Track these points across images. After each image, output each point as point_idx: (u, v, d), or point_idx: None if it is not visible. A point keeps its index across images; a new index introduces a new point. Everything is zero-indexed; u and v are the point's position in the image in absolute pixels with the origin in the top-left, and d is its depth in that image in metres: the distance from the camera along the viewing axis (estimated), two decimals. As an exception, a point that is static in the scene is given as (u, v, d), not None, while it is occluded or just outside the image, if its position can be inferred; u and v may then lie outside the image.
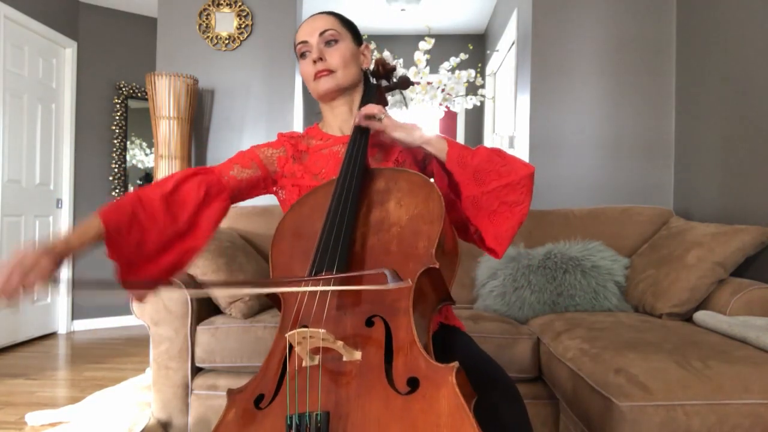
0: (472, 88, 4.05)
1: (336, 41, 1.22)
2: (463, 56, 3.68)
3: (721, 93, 2.50)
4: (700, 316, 1.85)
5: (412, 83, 1.36)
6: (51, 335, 4.13)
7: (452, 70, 3.59)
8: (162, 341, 1.93)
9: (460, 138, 5.52)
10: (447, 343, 1.13)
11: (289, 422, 0.77)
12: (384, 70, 1.34)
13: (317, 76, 1.22)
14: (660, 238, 2.36)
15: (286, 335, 0.80)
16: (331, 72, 1.21)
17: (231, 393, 0.88)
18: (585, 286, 2.19)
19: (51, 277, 0.89)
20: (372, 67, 1.34)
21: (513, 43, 3.70)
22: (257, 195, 1.27)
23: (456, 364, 0.77)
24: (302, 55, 1.24)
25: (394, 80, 1.39)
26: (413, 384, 0.77)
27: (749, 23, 2.30)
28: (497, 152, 1.10)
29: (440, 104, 3.63)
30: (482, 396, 0.81)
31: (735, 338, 1.62)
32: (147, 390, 2.38)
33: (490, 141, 4.86)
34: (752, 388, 1.29)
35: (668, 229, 2.39)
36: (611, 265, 2.27)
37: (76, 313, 4.34)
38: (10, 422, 2.32)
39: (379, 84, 1.34)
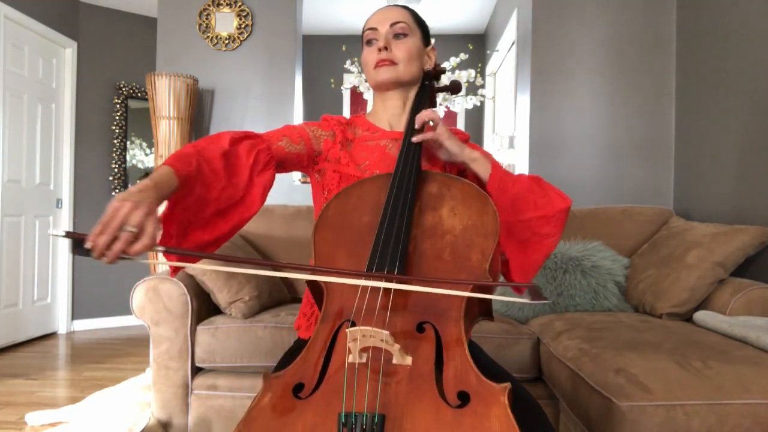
0: (472, 88, 4.06)
1: (405, 35, 1.21)
2: (463, 56, 3.68)
3: (721, 93, 2.50)
4: (700, 316, 1.85)
5: (461, 88, 1.36)
6: (51, 335, 4.13)
7: (452, 70, 3.59)
8: (162, 341, 1.93)
9: (460, 138, 5.52)
10: None
11: (344, 420, 0.75)
12: (435, 72, 1.32)
13: (379, 64, 1.20)
14: (660, 238, 2.36)
15: (347, 330, 0.78)
16: (393, 63, 1.20)
17: (268, 377, 0.85)
18: (585, 286, 2.19)
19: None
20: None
21: (513, 43, 3.71)
22: (295, 170, 1.24)
23: (509, 385, 0.76)
24: (368, 42, 1.23)
25: (445, 83, 1.38)
26: (463, 398, 0.76)
27: (749, 23, 2.30)
28: (537, 181, 1.09)
29: (440, 104, 3.63)
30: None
31: (735, 338, 1.62)
32: (147, 390, 2.38)
33: (490, 141, 4.86)
34: (752, 388, 1.29)
35: (668, 229, 2.39)
36: (611, 265, 2.27)
37: (76, 313, 4.34)
38: (10, 422, 2.32)
39: (432, 84, 1.32)
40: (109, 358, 3.45)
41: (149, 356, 2.08)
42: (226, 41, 3.32)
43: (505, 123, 4.32)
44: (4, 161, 3.62)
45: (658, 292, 2.07)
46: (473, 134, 5.46)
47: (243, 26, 3.32)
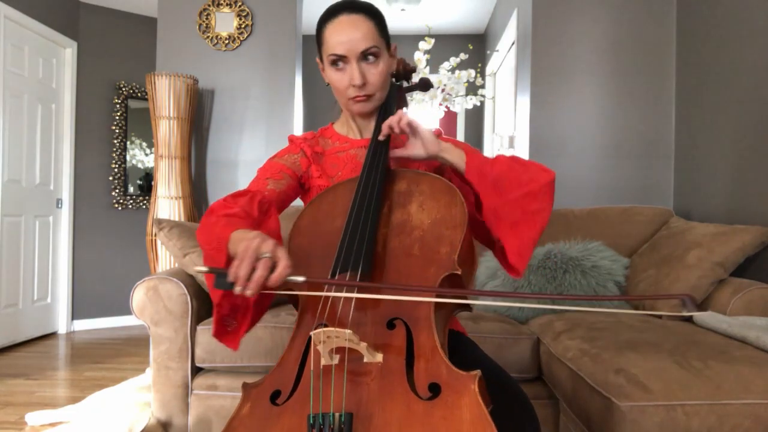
0: (472, 88, 4.06)
1: (376, 57, 1.13)
2: (463, 56, 3.68)
3: (721, 93, 2.50)
4: (700, 316, 1.85)
5: (432, 85, 1.34)
6: (51, 335, 4.13)
7: (452, 70, 3.59)
8: (162, 341, 1.93)
9: (460, 138, 5.52)
10: (451, 348, 1.12)
11: (311, 421, 0.76)
12: (404, 71, 1.30)
13: (355, 99, 1.15)
14: (660, 238, 2.36)
15: (311, 333, 0.79)
16: (368, 98, 1.15)
17: (246, 387, 0.87)
18: (585, 286, 2.19)
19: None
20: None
21: (513, 44, 3.70)
22: (295, 200, 1.24)
23: (478, 372, 0.77)
24: (334, 64, 1.14)
25: (414, 81, 1.36)
26: (434, 390, 0.77)
27: (749, 23, 2.30)
28: (516, 159, 1.07)
29: (440, 104, 3.63)
30: (498, 407, 0.80)
31: (735, 338, 1.62)
32: (147, 390, 2.38)
33: (490, 141, 4.86)
34: (752, 388, 1.29)
35: (668, 229, 2.39)
36: (611, 265, 2.27)
37: (76, 313, 4.34)
38: (10, 422, 2.32)
39: (400, 84, 1.31)
40: (109, 358, 3.45)
41: (149, 356, 2.08)
42: (226, 41, 3.32)
43: (505, 123, 4.32)
44: (4, 161, 3.62)
45: (658, 292, 2.07)
46: (473, 134, 5.46)
47: (243, 26, 3.32)
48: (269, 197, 1.12)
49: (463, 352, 1.13)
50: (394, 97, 1.25)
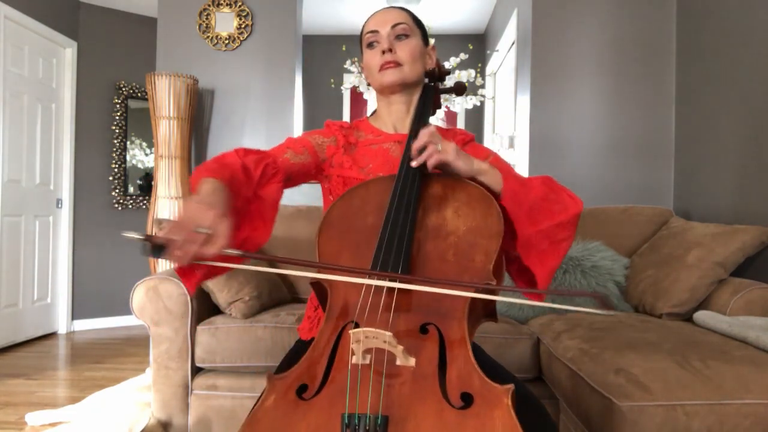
0: (472, 88, 4.06)
1: (407, 36, 1.21)
2: (463, 56, 3.68)
3: (721, 93, 2.50)
4: (700, 316, 1.85)
5: (466, 89, 1.34)
6: (51, 335, 4.13)
7: (452, 70, 3.59)
8: (162, 341, 1.93)
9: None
10: None
11: (347, 421, 0.75)
12: (440, 73, 1.32)
13: (384, 66, 1.19)
14: (660, 238, 2.36)
15: (350, 332, 0.78)
16: (398, 65, 1.19)
17: (271, 378, 0.85)
18: (585, 286, 2.19)
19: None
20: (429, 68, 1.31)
21: (513, 43, 3.71)
22: (306, 182, 1.24)
23: (512, 386, 0.76)
24: (369, 45, 1.22)
25: (448, 84, 1.37)
26: (467, 399, 0.76)
27: (749, 23, 2.30)
28: (550, 185, 1.07)
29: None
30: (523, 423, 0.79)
31: (735, 338, 1.62)
32: (147, 390, 2.38)
33: (490, 141, 4.86)
34: (752, 388, 1.29)
35: (668, 229, 2.39)
36: (611, 265, 2.27)
37: (76, 313, 4.34)
38: (10, 422, 2.32)
39: (436, 86, 1.32)
40: (109, 358, 3.45)
41: (149, 356, 2.08)
42: (226, 41, 3.32)
43: (505, 123, 4.32)
44: (4, 161, 3.62)
45: (658, 292, 2.07)
46: (473, 134, 5.46)
47: (243, 26, 3.32)
48: (281, 165, 1.13)
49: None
50: (430, 97, 1.26)
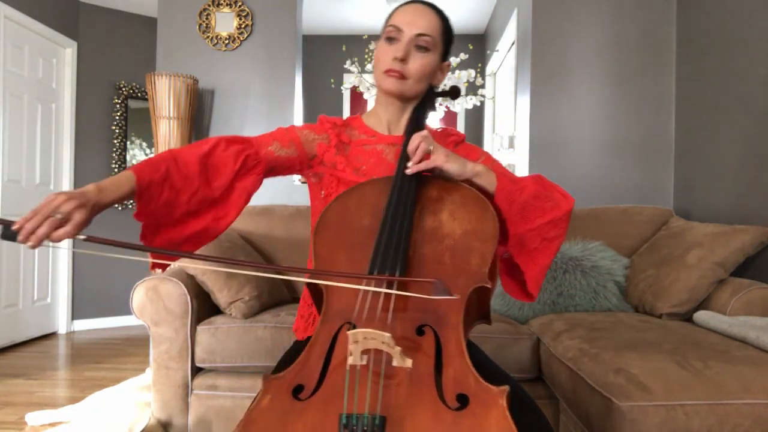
0: (472, 88, 4.06)
1: (427, 50, 1.16)
2: (463, 56, 3.68)
3: (721, 93, 2.50)
4: (700, 316, 1.85)
5: (461, 93, 1.34)
6: (51, 335, 4.13)
7: (452, 70, 3.59)
8: (162, 341, 1.93)
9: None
10: None
11: (344, 421, 0.76)
12: (453, 92, 1.31)
13: (389, 72, 1.16)
14: (660, 238, 2.36)
15: (349, 333, 0.78)
16: (403, 77, 1.16)
17: (267, 378, 0.86)
18: (585, 286, 2.19)
19: (80, 232, 0.87)
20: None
21: (513, 44, 3.71)
22: (289, 174, 1.23)
23: (507, 388, 0.77)
24: (388, 39, 1.17)
25: (444, 88, 1.36)
26: (462, 401, 0.77)
27: (749, 23, 2.30)
28: (541, 183, 1.07)
29: (440, 104, 3.63)
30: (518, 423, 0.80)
31: (735, 338, 1.62)
32: (147, 390, 2.38)
33: (490, 141, 4.86)
34: (752, 388, 1.29)
35: (668, 229, 2.39)
36: (611, 265, 2.27)
37: (76, 313, 4.34)
38: (10, 422, 2.32)
39: (433, 91, 1.31)
40: (109, 358, 3.45)
41: (149, 356, 2.08)
42: (226, 41, 3.32)
43: (505, 123, 4.32)
44: (4, 161, 3.62)
45: (658, 292, 2.07)
46: (473, 134, 5.46)
47: (243, 26, 3.32)
48: (263, 156, 1.14)
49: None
50: (430, 101, 1.26)
